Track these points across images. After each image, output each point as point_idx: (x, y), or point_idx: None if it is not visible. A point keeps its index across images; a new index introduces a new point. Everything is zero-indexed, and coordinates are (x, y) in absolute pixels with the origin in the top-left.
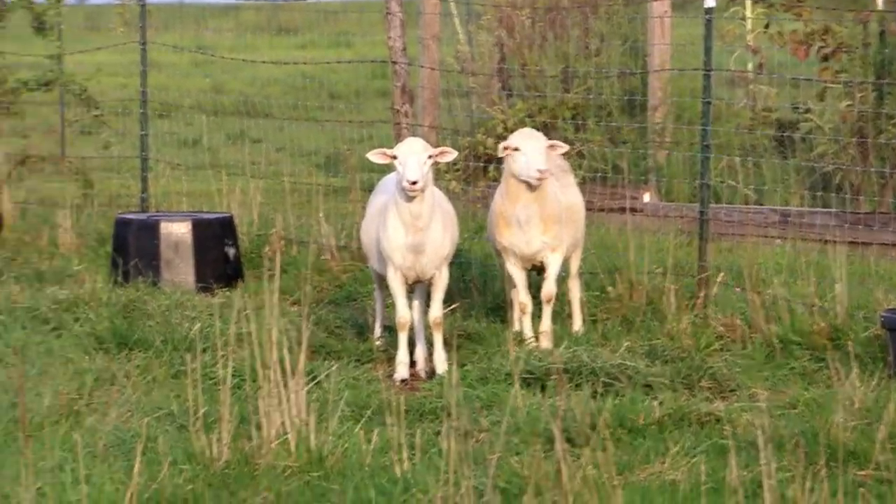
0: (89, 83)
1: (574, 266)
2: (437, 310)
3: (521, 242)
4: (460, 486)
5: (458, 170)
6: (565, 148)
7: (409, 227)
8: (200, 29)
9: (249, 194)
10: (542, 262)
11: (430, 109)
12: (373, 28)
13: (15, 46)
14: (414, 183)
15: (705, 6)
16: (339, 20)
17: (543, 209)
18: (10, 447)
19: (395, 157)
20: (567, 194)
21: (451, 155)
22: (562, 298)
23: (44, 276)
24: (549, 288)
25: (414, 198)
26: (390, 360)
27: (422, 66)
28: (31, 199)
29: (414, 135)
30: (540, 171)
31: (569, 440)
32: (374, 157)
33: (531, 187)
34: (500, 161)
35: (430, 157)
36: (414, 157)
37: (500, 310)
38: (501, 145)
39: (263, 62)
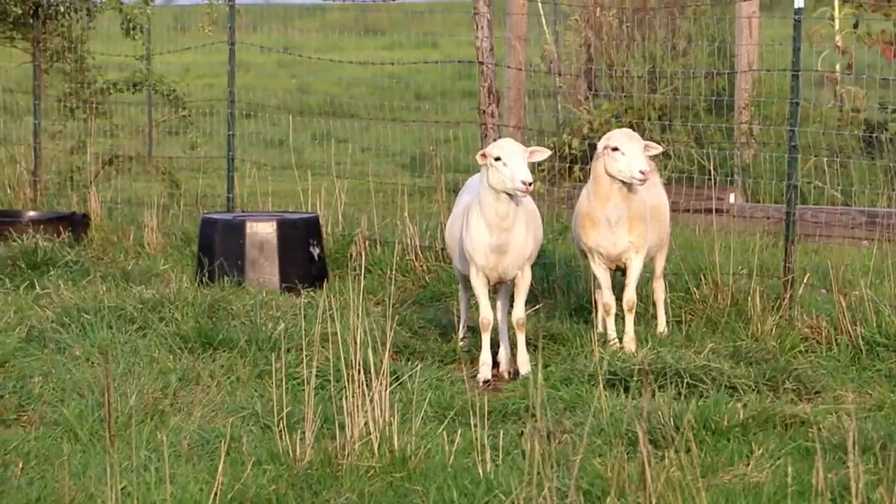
0: (178, 84)
1: (659, 267)
2: (520, 310)
3: (608, 243)
4: (543, 487)
5: (543, 170)
6: (659, 149)
7: (494, 228)
8: (287, 29)
9: (334, 194)
10: (626, 263)
11: (516, 110)
12: (458, 28)
13: (103, 47)
14: (530, 183)
15: (795, 6)
16: (424, 20)
17: (631, 209)
18: (95, 446)
19: (497, 159)
20: (652, 194)
21: (544, 154)
22: (646, 299)
23: (130, 275)
24: (630, 296)
25: (524, 196)
26: (474, 360)
27: (508, 67)
28: (118, 199)
29: (498, 135)
30: (643, 171)
31: (652, 442)
32: (479, 158)
33: (627, 187)
34: (585, 161)
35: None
36: (519, 156)
37: (583, 311)
38: (601, 144)
39: (350, 63)
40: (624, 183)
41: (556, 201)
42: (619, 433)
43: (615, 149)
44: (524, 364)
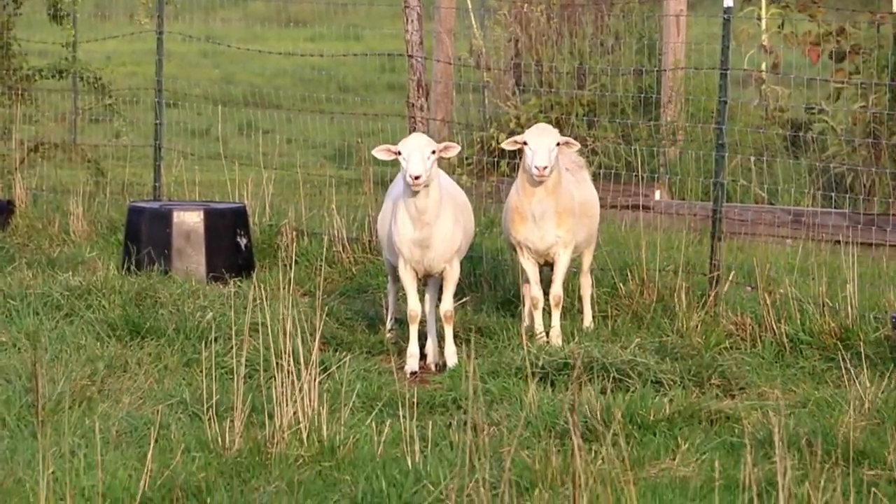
0: (103, 72)
1: (586, 262)
2: (448, 303)
3: (536, 237)
4: (473, 478)
5: (470, 164)
6: (577, 146)
7: (416, 222)
8: (209, 19)
9: (261, 185)
10: (553, 258)
11: (444, 104)
12: (381, 21)
13: (27, 33)
14: (417, 178)
15: (724, 5)
16: (348, 13)
17: (558, 204)
18: (23, 432)
19: (398, 153)
20: (582, 190)
21: (455, 150)
22: (573, 294)
23: (56, 262)
24: (556, 291)
25: (417, 192)
26: (401, 352)
27: (437, 61)
28: (42, 186)
29: (426, 129)
30: (538, 168)
31: (580, 435)
32: (379, 153)
33: (541, 182)
34: (513, 156)
35: (433, 152)
36: (418, 152)
37: (510, 304)
38: (509, 140)
39: (276, 53)
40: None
41: (483, 195)
42: (547, 426)
43: (525, 143)
44: (452, 356)
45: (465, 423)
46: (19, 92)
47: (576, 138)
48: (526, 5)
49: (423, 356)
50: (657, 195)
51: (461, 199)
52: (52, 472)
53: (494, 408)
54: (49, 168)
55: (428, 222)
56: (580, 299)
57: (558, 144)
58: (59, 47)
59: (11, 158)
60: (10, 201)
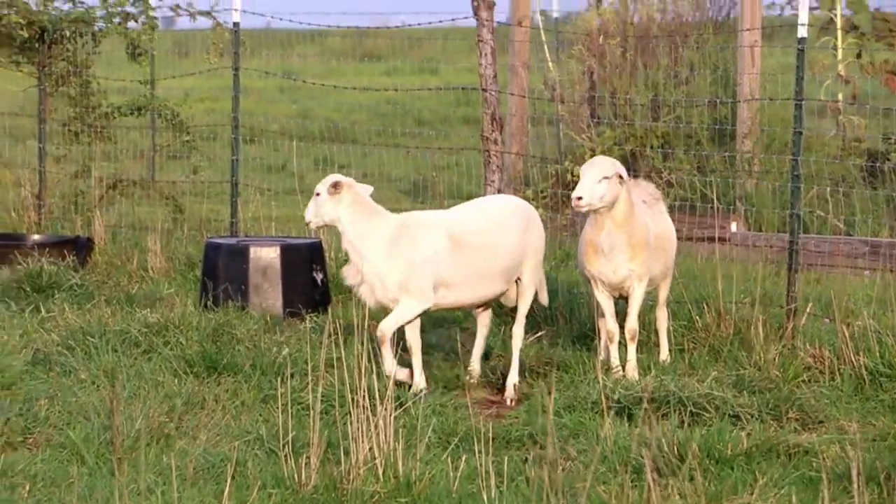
0: (181, 108)
1: (662, 295)
2: (389, 327)
3: (608, 270)
4: None
5: (545, 197)
6: (627, 179)
7: None
8: (287, 54)
9: None
10: (628, 291)
11: (519, 137)
12: (457, 54)
13: (106, 71)
14: (579, 198)
15: (798, 36)
16: (423, 47)
17: (631, 237)
18: (102, 469)
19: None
20: (658, 222)
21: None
22: (649, 327)
23: (134, 299)
24: (631, 325)
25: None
26: (479, 387)
27: (511, 94)
28: (121, 223)
29: (501, 162)
30: (574, 198)
31: (656, 470)
32: None
33: (609, 215)
34: None
35: (606, 177)
36: (589, 175)
37: (586, 338)
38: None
39: (352, 88)
40: (609, 210)
41: (558, 228)
42: (623, 461)
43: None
44: (420, 381)
45: (541, 459)
46: (98, 129)
47: (651, 170)
48: (601, 38)
49: (501, 389)
50: (733, 227)
51: (412, 232)
52: None
53: (570, 442)
54: (127, 205)
55: (354, 260)
56: (656, 332)
57: (607, 178)
58: (138, 85)
59: (91, 196)
60: (89, 238)
